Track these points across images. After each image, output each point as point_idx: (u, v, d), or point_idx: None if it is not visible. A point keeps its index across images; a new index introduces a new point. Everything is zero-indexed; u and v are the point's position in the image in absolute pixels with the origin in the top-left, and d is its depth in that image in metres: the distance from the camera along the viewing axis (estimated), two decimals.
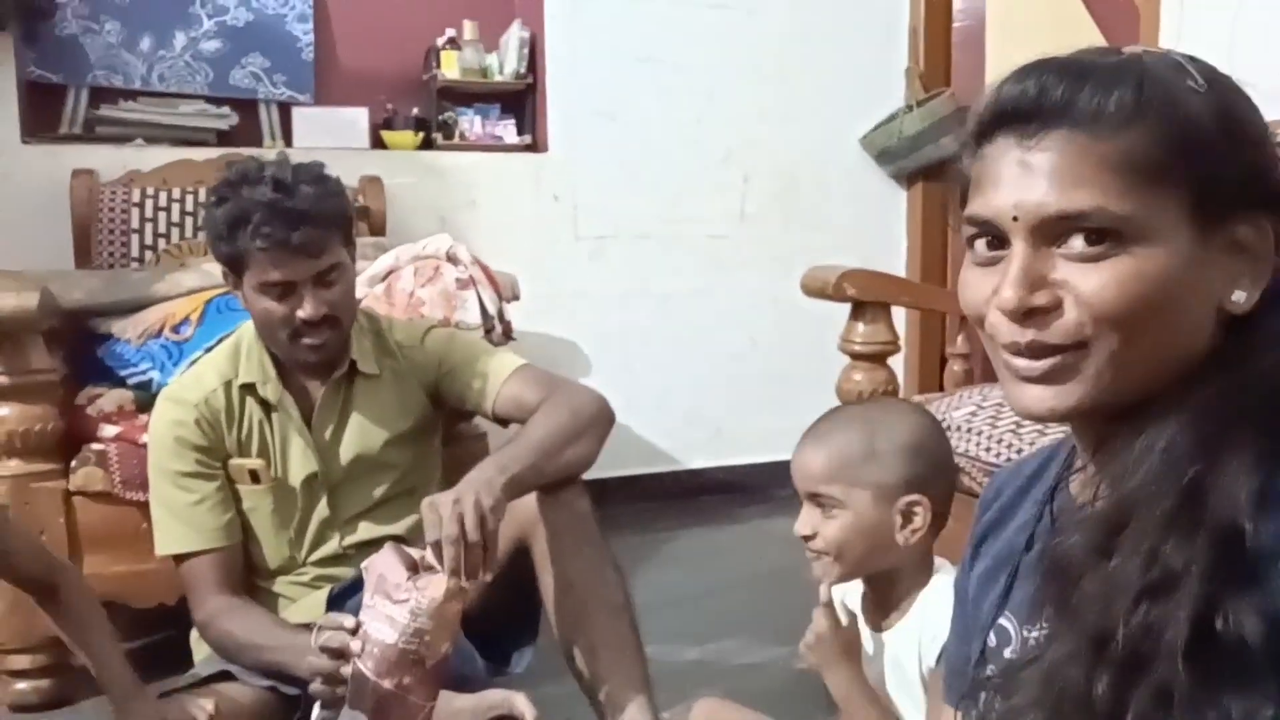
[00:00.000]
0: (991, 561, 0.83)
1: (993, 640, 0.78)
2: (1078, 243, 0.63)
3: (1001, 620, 0.78)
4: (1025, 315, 0.65)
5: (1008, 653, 0.76)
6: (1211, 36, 2.09)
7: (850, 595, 1.26)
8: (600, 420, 1.55)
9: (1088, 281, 0.63)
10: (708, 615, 2.31)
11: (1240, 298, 0.65)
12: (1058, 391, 0.66)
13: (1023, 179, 0.65)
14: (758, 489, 3.19)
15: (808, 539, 1.19)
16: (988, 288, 0.67)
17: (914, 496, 1.15)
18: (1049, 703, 0.62)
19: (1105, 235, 0.63)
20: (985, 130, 0.68)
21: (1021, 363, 0.67)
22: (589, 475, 1.55)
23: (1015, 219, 0.65)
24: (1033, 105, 0.65)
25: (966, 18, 3.36)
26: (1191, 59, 0.66)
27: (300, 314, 1.48)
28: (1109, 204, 0.62)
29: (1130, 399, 0.65)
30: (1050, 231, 0.64)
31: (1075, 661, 0.60)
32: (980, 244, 0.69)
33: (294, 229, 1.43)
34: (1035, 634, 0.71)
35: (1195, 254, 0.63)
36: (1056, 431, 1.64)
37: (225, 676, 1.47)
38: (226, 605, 1.50)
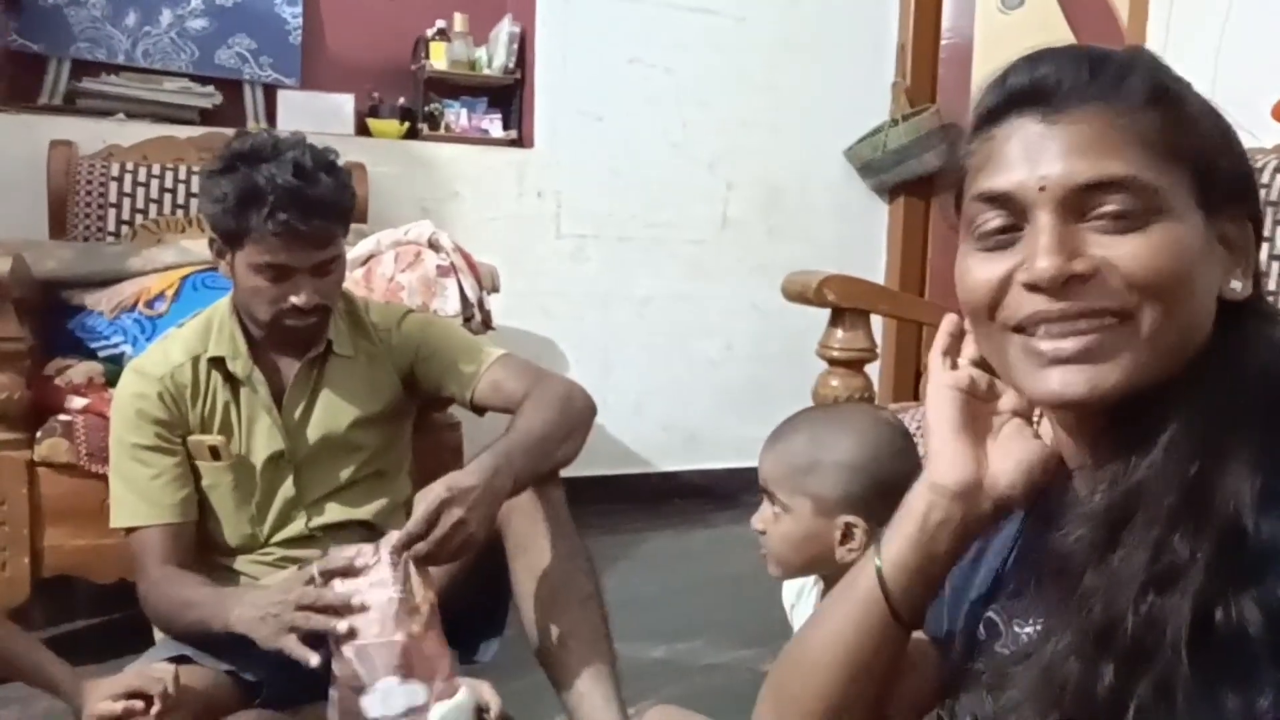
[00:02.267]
0: (983, 557, 0.81)
1: (982, 633, 0.76)
2: (1106, 214, 0.62)
3: (990, 613, 0.76)
4: (1062, 286, 0.62)
5: (998, 647, 0.74)
6: (1196, 61, 2.12)
7: (809, 591, 1.26)
8: (588, 414, 1.54)
9: (1122, 250, 0.62)
10: (674, 615, 2.31)
11: (1238, 286, 0.66)
12: (1095, 373, 0.63)
13: (1047, 150, 0.63)
14: (730, 494, 3.19)
15: (761, 533, 1.19)
16: (999, 271, 0.65)
17: (852, 518, 1.13)
18: (1048, 697, 0.61)
19: (1133, 207, 0.62)
20: (995, 114, 0.67)
21: (1048, 345, 0.64)
22: (562, 474, 1.54)
23: (1042, 189, 0.63)
24: (1054, 84, 0.64)
25: (954, 36, 3.40)
26: None
27: (295, 300, 1.46)
28: (1140, 174, 0.62)
29: (1153, 384, 0.64)
30: (1077, 202, 0.63)
31: (1077, 655, 0.60)
32: (990, 226, 0.66)
33: (309, 218, 1.41)
34: (1029, 629, 0.70)
35: (1204, 236, 0.64)
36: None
37: (182, 660, 1.44)
38: (168, 574, 1.47)
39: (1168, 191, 0.62)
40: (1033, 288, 0.63)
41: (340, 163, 1.51)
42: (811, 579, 1.28)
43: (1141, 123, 0.63)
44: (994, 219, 0.66)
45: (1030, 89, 0.65)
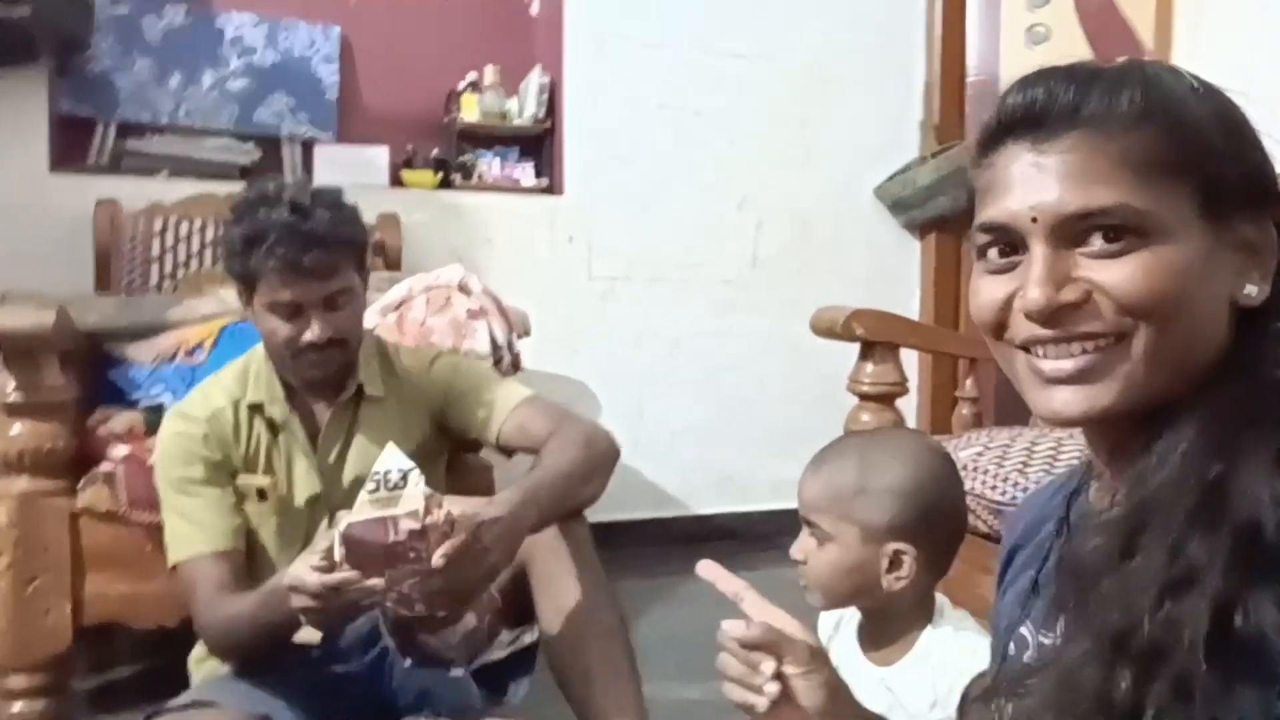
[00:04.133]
0: (1017, 585, 0.82)
1: (1012, 649, 0.78)
2: (1098, 240, 0.64)
3: (1021, 629, 0.77)
4: (1053, 314, 0.64)
5: (1025, 659, 0.75)
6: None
7: (847, 623, 1.24)
8: (612, 455, 1.57)
9: (1114, 275, 0.63)
10: (710, 655, 2.26)
11: (1252, 291, 0.66)
12: (1090, 392, 0.65)
13: (1038, 180, 0.65)
14: (767, 537, 3.15)
15: (800, 563, 1.17)
16: (1002, 293, 0.67)
17: (901, 545, 1.11)
18: (1066, 703, 0.61)
19: (1124, 232, 0.63)
20: (994, 139, 0.69)
21: (1048, 365, 0.66)
22: (595, 518, 1.55)
23: (1034, 220, 0.65)
24: (1043, 110, 0.65)
25: (981, 73, 3.41)
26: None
27: (306, 336, 1.50)
28: (1130, 200, 0.63)
29: (1156, 400, 0.65)
30: (1069, 231, 0.64)
31: (1094, 660, 0.60)
32: (992, 252, 0.69)
33: (306, 251, 1.45)
34: (1051, 639, 0.71)
35: (1208, 249, 0.64)
36: (1067, 462, 1.63)
37: (209, 705, 1.45)
38: (224, 595, 1.47)
39: (1162, 211, 0.63)
40: (1028, 315, 0.66)
41: (346, 199, 1.55)
42: (849, 610, 1.25)
43: (1132, 143, 0.64)
44: (995, 245, 0.69)
45: (1022, 115, 0.66)
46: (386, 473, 1.21)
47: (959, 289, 3.47)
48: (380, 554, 1.19)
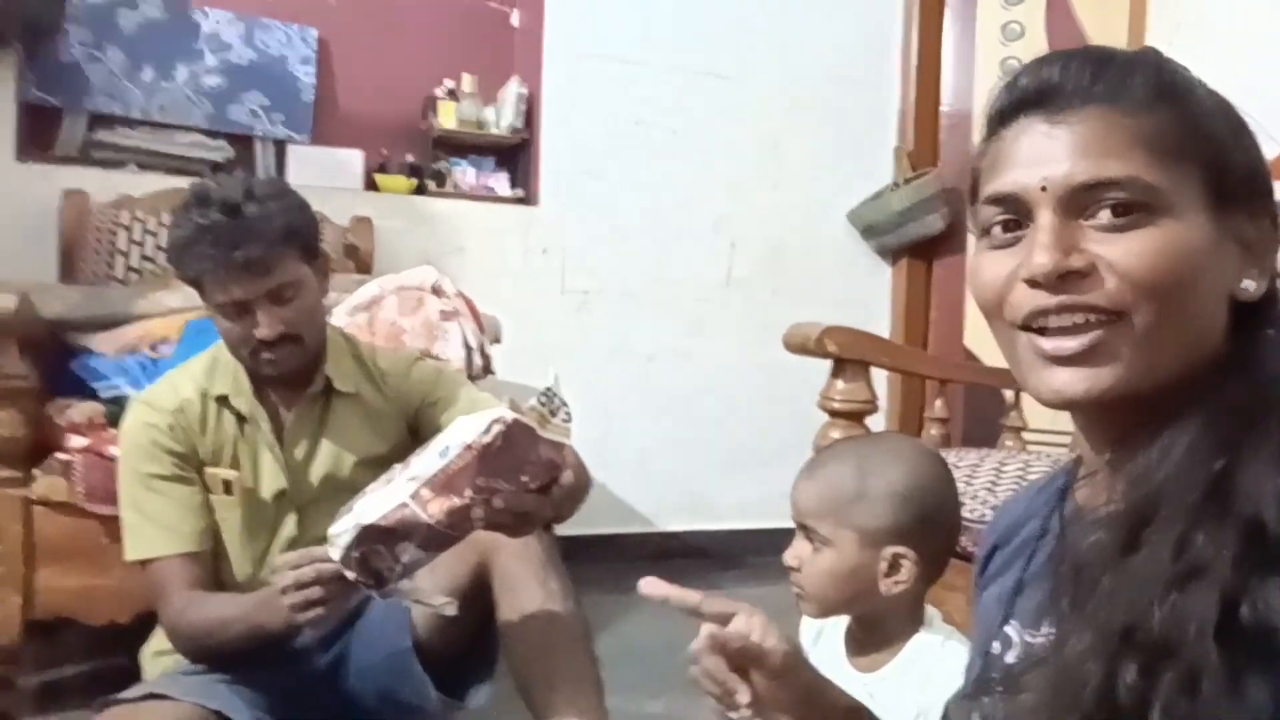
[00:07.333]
0: (998, 584, 0.82)
1: (996, 648, 0.77)
2: (1106, 213, 0.64)
3: (1006, 629, 0.77)
4: (1058, 281, 0.64)
5: (1009, 658, 0.74)
6: None
7: (830, 631, 1.23)
8: (587, 476, 1.54)
9: (1119, 250, 0.63)
10: (673, 669, 2.23)
11: (1250, 286, 0.66)
12: (1092, 374, 0.64)
13: (1050, 150, 0.65)
14: (733, 556, 3.16)
15: (794, 570, 1.16)
16: (1006, 269, 0.67)
17: (900, 549, 1.10)
18: (1066, 699, 0.60)
19: (1132, 207, 0.63)
20: (1005, 115, 0.69)
21: (1049, 343, 0.65)
22: (561, 531, 1.54)
23: (1043, 189, 0.65)
24: (1058, 86, 0.66)
25: (955, 102, 3.45)
26: None
27: (257, 333, 1.46)
28: (1141, 174, 0.63)
29: (1157, 388, 0.65)
30: (1078, 202, 0.64)
31: (1096, 654, 0.59)
32: (997, 227, 0.68)
33: (236, 248, 1.42)
34: (1039, 638, 0.70)
35: (1211, 237, 0.65)
36: (1034, 475, 1.64)
37: (161, 698, 1.41)
38: (196, 598, 1.45)
39: (1171, 191, 0.63)
40: (1032, 283, 0.65)
41: (285, 190, 1.52)
42: (832, 619, 1.24)
43: (1146, 122, 0.64)
44: (1001, 218, 0.68)
45: (1036, 90, 0.67)
46: (556, 394, 1.19)
47: (929, 314, 3.50)
48: (514, 462, 1.16)
